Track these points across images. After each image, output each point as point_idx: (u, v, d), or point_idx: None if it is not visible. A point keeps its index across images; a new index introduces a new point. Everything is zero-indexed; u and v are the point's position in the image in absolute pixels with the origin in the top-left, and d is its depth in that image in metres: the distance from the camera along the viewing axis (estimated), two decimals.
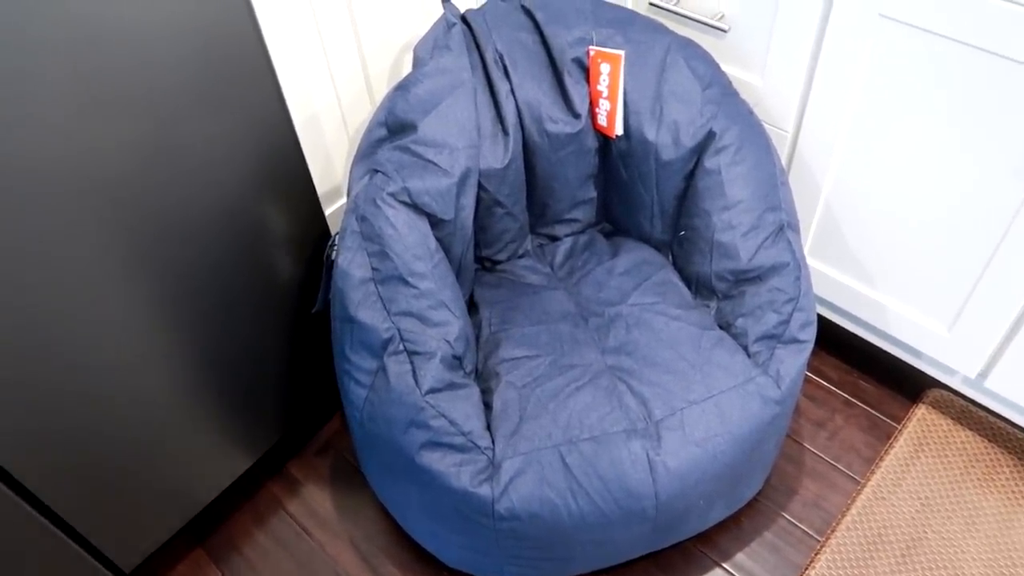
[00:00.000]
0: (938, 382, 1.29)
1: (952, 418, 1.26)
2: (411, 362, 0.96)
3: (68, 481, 0.92)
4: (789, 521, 1.17)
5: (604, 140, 1.19)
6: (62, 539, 0.94)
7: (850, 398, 1.31)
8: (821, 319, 1.33)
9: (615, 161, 1.19)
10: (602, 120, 1.16)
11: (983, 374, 1.14)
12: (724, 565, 1.13)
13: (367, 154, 1.07)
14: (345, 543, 1.18)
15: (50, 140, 0.73)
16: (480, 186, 1.14)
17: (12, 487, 0.87)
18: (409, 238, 0.99)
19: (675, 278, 1.17)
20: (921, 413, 1.27)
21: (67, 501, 0.93)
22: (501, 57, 1.15)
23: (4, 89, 0.68)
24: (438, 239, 1.04)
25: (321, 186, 1.26)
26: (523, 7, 1.17)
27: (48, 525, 0.92)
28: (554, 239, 1.30)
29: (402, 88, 1.06)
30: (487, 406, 1.01)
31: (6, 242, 0.74)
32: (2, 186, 0.72)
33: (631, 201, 1.21)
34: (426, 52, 1.09)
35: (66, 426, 0.88)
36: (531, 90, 1.15)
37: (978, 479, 1.18)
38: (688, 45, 1.13)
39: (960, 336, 1.11)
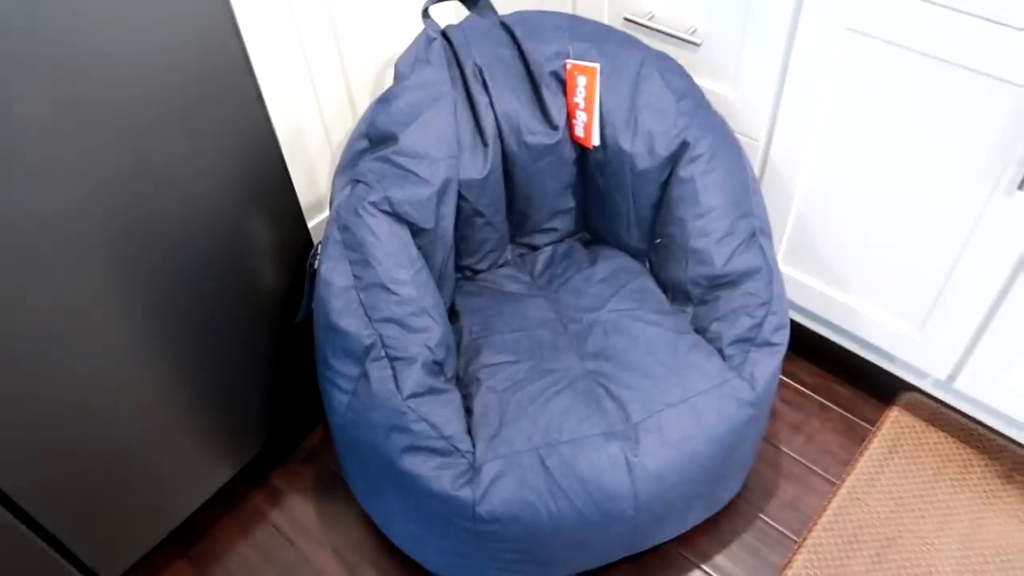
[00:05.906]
0: (911, 385, 1.32)
1: (924, 420, 1.29)
2: (392, 367, 0.97)
3: (49, 490, 0.92)
4: (767, 523, 1.19)
5: (582, 151, 1.22)
6: (43, 548, 0.94)
7: (825, 402, 1.34)
8: (796, 325, 1.35)
9: (592, 171, 1.22)
10: (579, 131, 1.18)
11: (952, 376, 1.17)
12: (703, 567, 1.14)
13: (349, 165, 1.09)
14: (329, 552, 1.19)
15: (36, 155, 0.75)
16: (460, 196, 1.16)
17: None
18: (390, 246, 1.01)
19: (652, 285, 1.20)
20: (894, 415, 1.29)
21: (49, 510, 0.93)
22: (480, 71, 1.18)
23: None
24: (419, 247, 1.06)
25: (305, 198, 1.28)
26: (502, 23, 1.20)
27: (29, 534, 0.92)
28: (534, 248, 1.32)
29: (383, 101, 1.08)
30: (468, 411, 1.03)
31: None
32: None
33: (609, 210, 1.24)
34: (407, 66, 1.12)
35: (47, 435, 0.89)
36: (510, 102, 1.18)
37: (951, 479, 1.21)
38: (662, 58, 1.16)
39: (930, 338, 1.14)
